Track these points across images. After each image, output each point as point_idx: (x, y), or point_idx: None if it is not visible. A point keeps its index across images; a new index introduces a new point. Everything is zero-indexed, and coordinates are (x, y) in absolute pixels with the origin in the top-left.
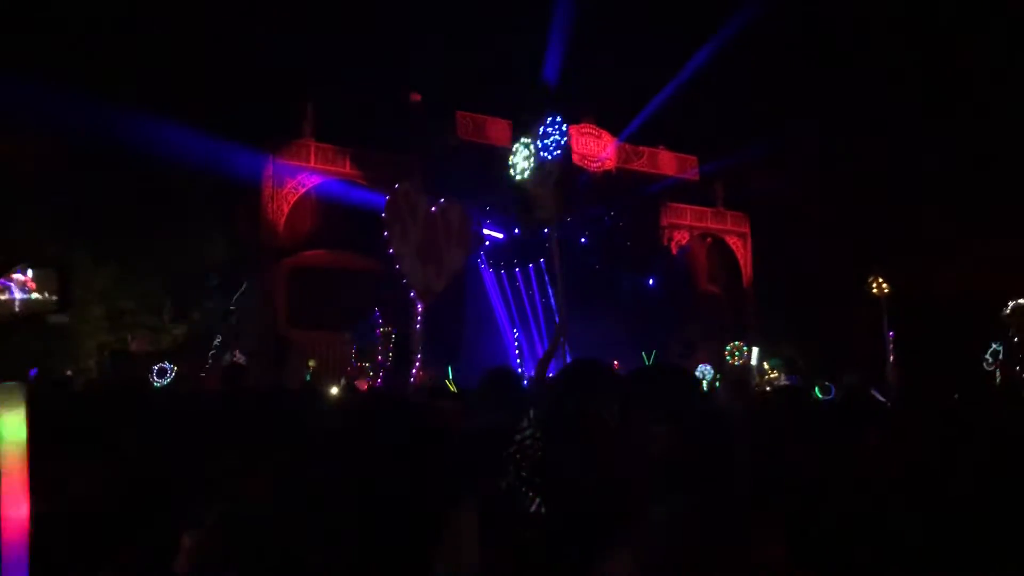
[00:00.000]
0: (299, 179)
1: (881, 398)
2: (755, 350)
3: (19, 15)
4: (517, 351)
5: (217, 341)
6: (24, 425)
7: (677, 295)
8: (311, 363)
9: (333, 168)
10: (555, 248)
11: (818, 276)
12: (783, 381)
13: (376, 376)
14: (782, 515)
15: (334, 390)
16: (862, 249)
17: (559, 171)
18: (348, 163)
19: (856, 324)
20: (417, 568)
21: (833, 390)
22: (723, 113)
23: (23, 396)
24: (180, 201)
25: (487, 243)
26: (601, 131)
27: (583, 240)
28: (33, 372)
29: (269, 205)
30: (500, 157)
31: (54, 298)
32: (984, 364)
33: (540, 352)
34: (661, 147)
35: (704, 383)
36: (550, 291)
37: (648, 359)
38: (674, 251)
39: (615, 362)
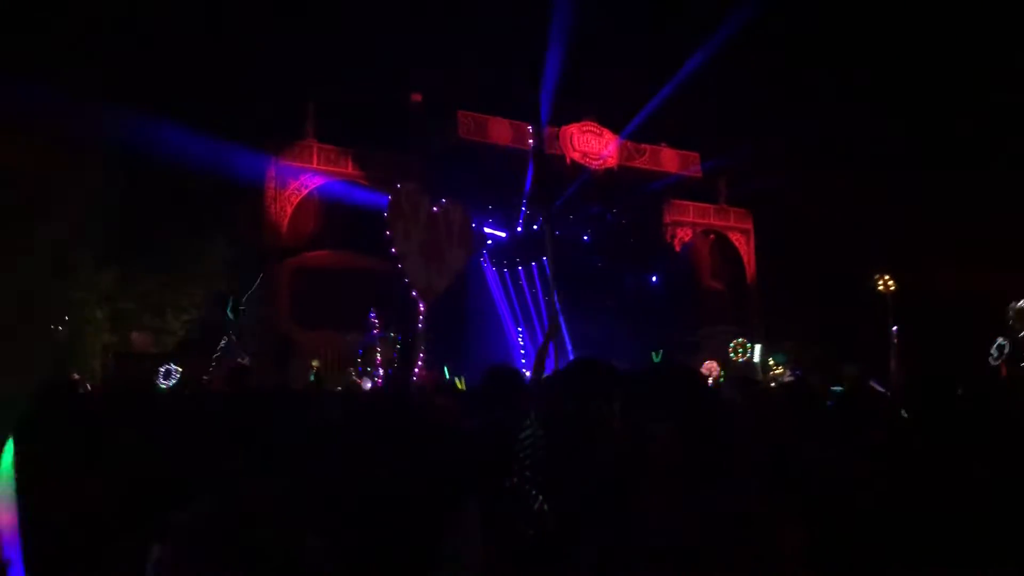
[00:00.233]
0: (302, 180)
1: (880, 388)
2: (758, 347)
3: (21, 15)
4: (521, 349)
5: (223, 343)
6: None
7: (680, 292)
8: (315, 363)
9: (335, 169)
10: (549, 250)
11: (821, 272)
12: (788, 377)
13: (379, 376)
14: (798, 509)
15: (338, 390)
16: (866, 245)
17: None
18: (350, 164)
19: (860, 320)
20: (419, 568)
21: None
22: (725, 109)
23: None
24: (183, 202)
25: (489, 242)
26: (603, 129)
27: (586, 238)
28: None
29: (272, 206)
30: (501, 156)
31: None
32: (990, 359)
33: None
34: (663, 144)
35: (709, 380)
36: (555, 292)
37: (656, 357)
38: (677, 248)
39: (616, 360)
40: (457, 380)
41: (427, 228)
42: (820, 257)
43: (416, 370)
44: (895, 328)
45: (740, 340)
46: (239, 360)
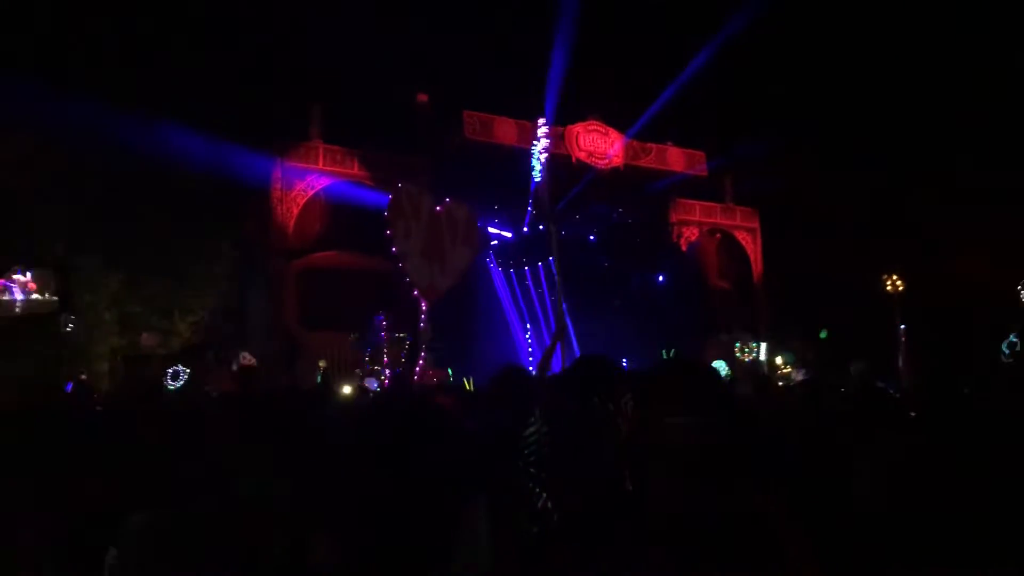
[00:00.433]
0: (308, 181)
1: (882, 386)
2: (763, 346)
3: (25, 18)
4: (528, 349)
5: (211, 354)
6: None
7: (687, 291)
8: (322, 363)
9: (342, 170)
10: (555, 251)
11: (828, 271)
12: (798, 377)
13: (386, 376)
14: (806, 508)
15: (346, 390)
16: (873, 244)
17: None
18: (356, 164)
19: (868, 319)
20: (427, 566)
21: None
22: (731, 108)
23: None
24: (189, 204)
25: (496, 242)
26: (608, 128)
27: (592, 238)
28: (68, 386)
29: (278, 207)
30: (507, 156)
31: (55, 299)
32: (1002, 356)
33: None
34: (669, 143)
35: None
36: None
37: (667, 356)
38: (683, 247)
39: (623, 360)
40: (465, 380)
41: (429, 227)
42: (827, 255)
43: (417, 370)
44: (903, 327)
45: (746, 339)
46: (244, 361)
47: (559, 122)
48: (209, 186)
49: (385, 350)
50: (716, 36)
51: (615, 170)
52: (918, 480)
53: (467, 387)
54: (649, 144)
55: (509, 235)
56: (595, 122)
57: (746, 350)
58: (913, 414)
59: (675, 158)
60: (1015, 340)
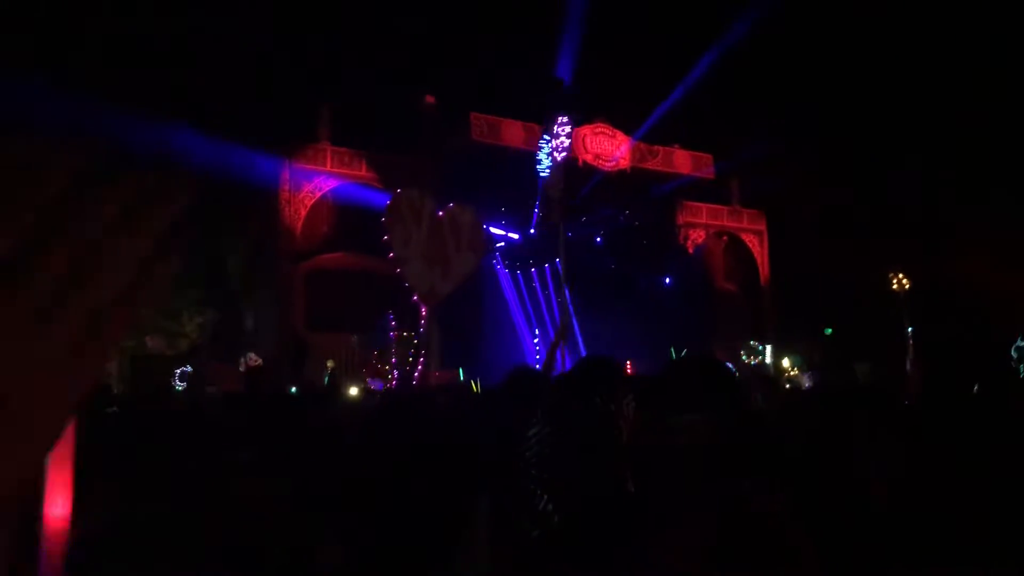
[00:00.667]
0: (316, 183)
1: (886, 387)
2: (769, 348)
3: (39, 22)
4: (536, 350)
5: (204, 354)
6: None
7: (693, 294)
8: (330, 364)
9: (349, 171)
10: (563, 252)
11: (835, 272)
12: (806, 381)
13: (393, 377)
14: (812, 509)
15: (353, 391)
16: (879, 245)
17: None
18: (364, 166)
19: (874, 320)
20: (427, 567)
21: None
22: (738, 110)
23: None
24: (197, 205)
25: (502, 244)
26: (615, 131)
27: (598, 240)
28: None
29: (286, 209)
30: (514, 158)
31: None
32: (1011, 361)
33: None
34: (676, 146)
35: None
36: (566, 291)
37: (676, 356)
38: (690, 250)
39: (627, 362)
40: (472, 382)
41: (430, 232)
42: (833, 257)
43: (416, 373)
44: (910, 329)
45: (752, 343)
46: (251, 362)
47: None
48: (217, 187)
49: (393, 350)
50: (723, 38)
51: (622, 172)
52: (921, 481)
53: (473, 388)
54: (656, 146)
55: (516, 237)
56: (602, 124)
57: (751, 353)
58: (918, 415)
59: (682, 161)
60: (1022, 344)
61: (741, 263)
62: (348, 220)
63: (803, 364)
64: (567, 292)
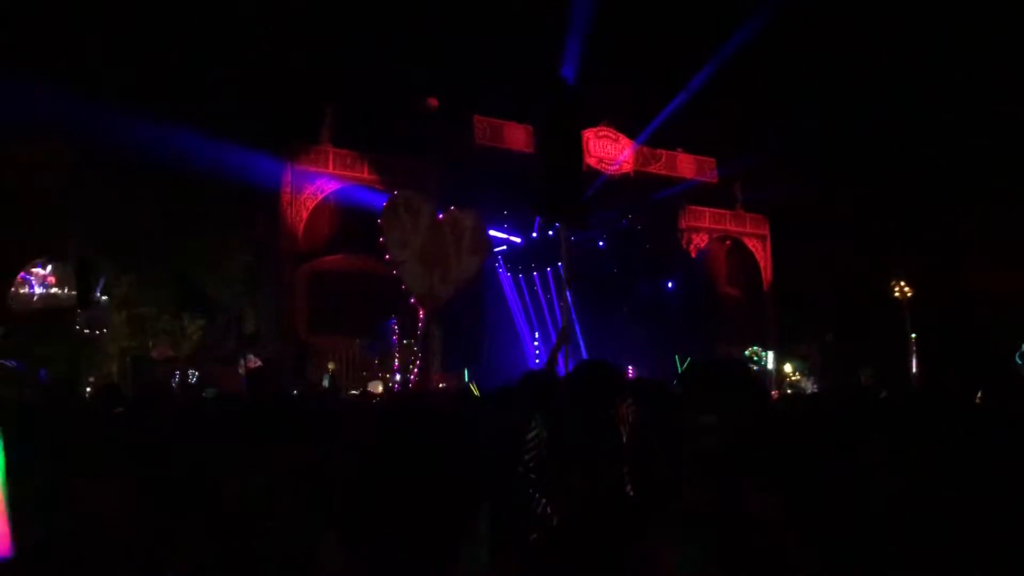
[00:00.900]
0: (318, 185)
1: (888, 391)
2: (770, 354)
3: (43, 24)
4: (536, 354)
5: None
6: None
7: (696, 298)
8: (331, 366)
9: (351, 173)
10: (565, 256)
11: (838, 277)
12: (810, 387)
13: (395, 381)
14: (813, 515)
15: (353, 393)
16: (883, 250)
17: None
18: (366, 168)
19: (878, 327)
20: (428, 569)
21: None
22: (741, 114)
23: None
24: (199, 207)
25: (505, 247)
26: (618, 134)
27: (601, 244)
28: (42, 372)
29: (288, 211)
30: (517, 161)
31: (73, 294)
32: (1015, 366)
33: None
34: (679, 150)
35: None
36: (568, 295)
37: (680, 365)
38: (693, 254)
39: (630, 367)
40: (472, 386)
41: (429, 235)
42: (837, 262)
43: (412, 377)
44: (913, 336)
45: (755, 348)
46: (250, 363)
47: None
48: (219, 189)
49: (396, 354)
50: (727, 42)
51: (625, 176)
52: (920, 483)
53: (473, 392)
54: (659, 150)
55: (518, 240)
56: (606, 128)
57: (753, 359)
58: (920, 420)
59: (685, 164)
60: None
61: (744, 268)
62: (350, 222)
63: (806, 369)
64: (569, 296)
